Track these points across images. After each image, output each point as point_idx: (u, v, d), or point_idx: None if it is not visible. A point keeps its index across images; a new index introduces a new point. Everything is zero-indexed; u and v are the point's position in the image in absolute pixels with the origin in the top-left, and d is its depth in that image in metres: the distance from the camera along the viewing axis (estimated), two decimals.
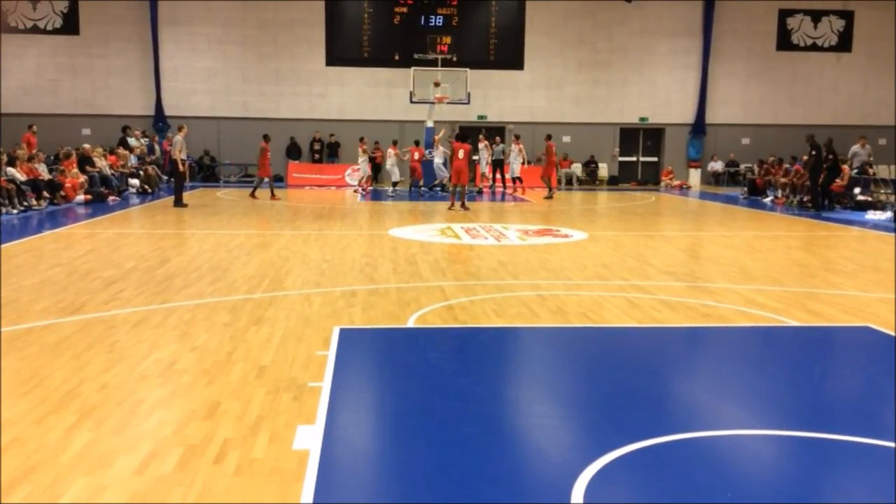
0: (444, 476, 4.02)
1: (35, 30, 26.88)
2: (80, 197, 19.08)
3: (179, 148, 18.92)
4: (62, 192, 18.87)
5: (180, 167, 18.96)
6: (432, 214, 18.21)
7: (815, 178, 19.96)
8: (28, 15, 26.82)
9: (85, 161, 20.26)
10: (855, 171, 21.35)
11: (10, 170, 17.52)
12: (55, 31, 27.06)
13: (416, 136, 26.66)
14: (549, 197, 22.71)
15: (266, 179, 21.43)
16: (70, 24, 27.12)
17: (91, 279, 9.38)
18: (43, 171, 18.97)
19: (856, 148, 22.22)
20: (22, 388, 5.36)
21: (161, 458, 4.24)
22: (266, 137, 21.72)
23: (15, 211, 16.60)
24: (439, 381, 5.68)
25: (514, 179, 24.28)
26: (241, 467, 4.13)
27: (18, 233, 13.88)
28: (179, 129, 19.43)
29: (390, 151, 24.12)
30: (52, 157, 20.95)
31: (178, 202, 18.65)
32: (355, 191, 24.70)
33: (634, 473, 4.13)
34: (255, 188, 21.65)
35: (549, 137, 23.72)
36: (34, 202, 17.60)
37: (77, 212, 17.49)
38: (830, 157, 19.81)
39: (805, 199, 20.70)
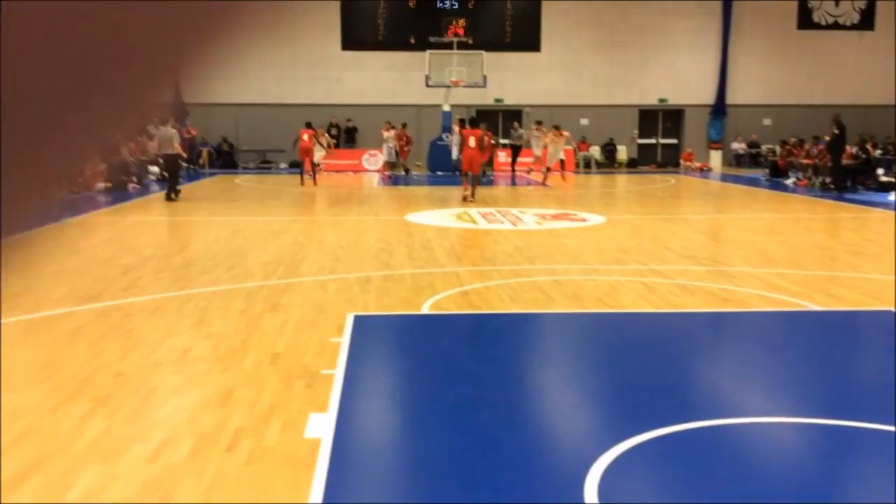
0: (456, 464, 3.98)
1: None
2: (100, 184, 19.18)
3: (175, 141, 17.44)
4: (81, 180, 18.96)
5: (183, 155, 19.03)
6: (449, 200, 18.13)
7: (837, 159, 19.68)
8: None
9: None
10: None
11: None
12: None
13: (433, 119, 26.59)
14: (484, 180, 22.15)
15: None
16: None
17: (109, 267, 9.41)
18: None
19: None
20: (37, 376, 5.38)
21: (173, 447, 4.23)
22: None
23: None
24: (453, 367, 5.64)
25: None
26: (252, 456, 4.11)
27: (37, 221, 13.94)
28: (165, 122, 17.30)
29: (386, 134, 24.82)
30: None
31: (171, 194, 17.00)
32: (386, 174, 24.86)
33: (650, 462, 4.07)
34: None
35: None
36: None
37: (97, 199, 17.57)
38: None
39: (827, 180, 20.42)
